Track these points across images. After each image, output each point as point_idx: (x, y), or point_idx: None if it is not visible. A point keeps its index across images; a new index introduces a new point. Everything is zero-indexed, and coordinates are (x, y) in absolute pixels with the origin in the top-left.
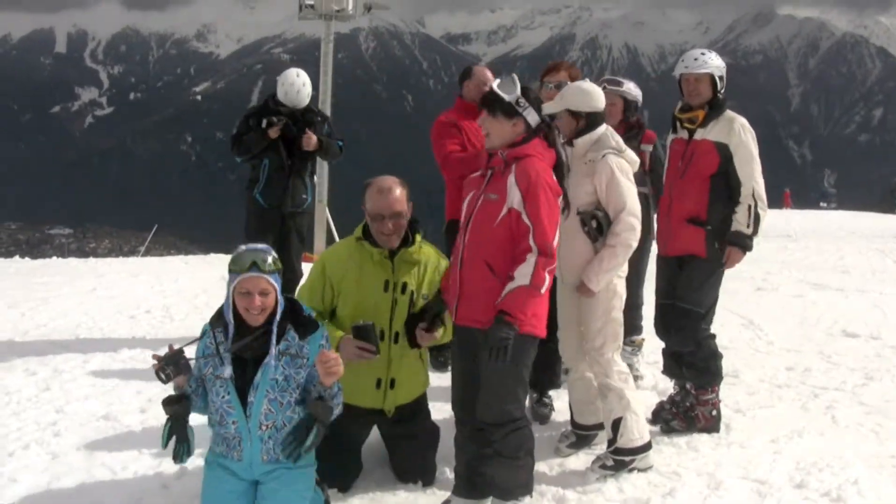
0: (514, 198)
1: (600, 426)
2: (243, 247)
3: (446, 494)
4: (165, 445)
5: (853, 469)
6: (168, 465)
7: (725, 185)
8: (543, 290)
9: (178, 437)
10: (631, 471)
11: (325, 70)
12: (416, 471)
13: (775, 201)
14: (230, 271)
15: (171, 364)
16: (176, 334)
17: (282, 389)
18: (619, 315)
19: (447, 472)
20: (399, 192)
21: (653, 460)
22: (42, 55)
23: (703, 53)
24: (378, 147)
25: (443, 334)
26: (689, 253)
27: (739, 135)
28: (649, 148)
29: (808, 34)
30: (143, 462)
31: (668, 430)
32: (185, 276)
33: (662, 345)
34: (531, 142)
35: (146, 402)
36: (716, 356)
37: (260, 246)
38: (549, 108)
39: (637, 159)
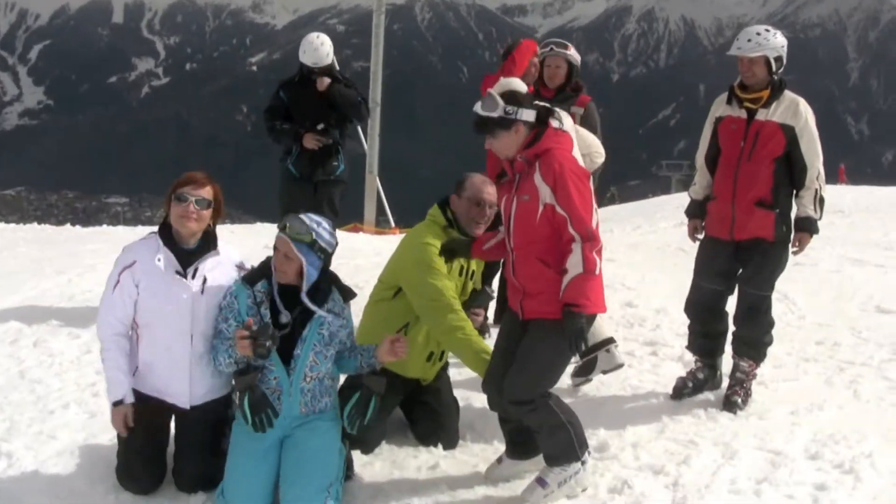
0: (545, 193)
1: (596, 346)
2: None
3: (468, 459)
4: (249, 421)
5: (869, 442)
6: None
7: (787, 167)
8: (597, 272)
9: (258, 407)
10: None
11: (377, 42)
12: (438, 434)
13: (830, 176)
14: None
15: (267, 338)
16: None
17: (325, 344)
18: None
19: (468, 438)
20: (494, 188)
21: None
22: (99, 26)
23: (758, 34)
24: (432, 118)
25: None
26: (757, 237)
27: (805, 117)
28: (580, 111)
29: (868, 7)
30: None
31: (729, 408)
32: (230, 244)
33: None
34: (544, 135)
35: None
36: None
37: (310, 216)
38: None
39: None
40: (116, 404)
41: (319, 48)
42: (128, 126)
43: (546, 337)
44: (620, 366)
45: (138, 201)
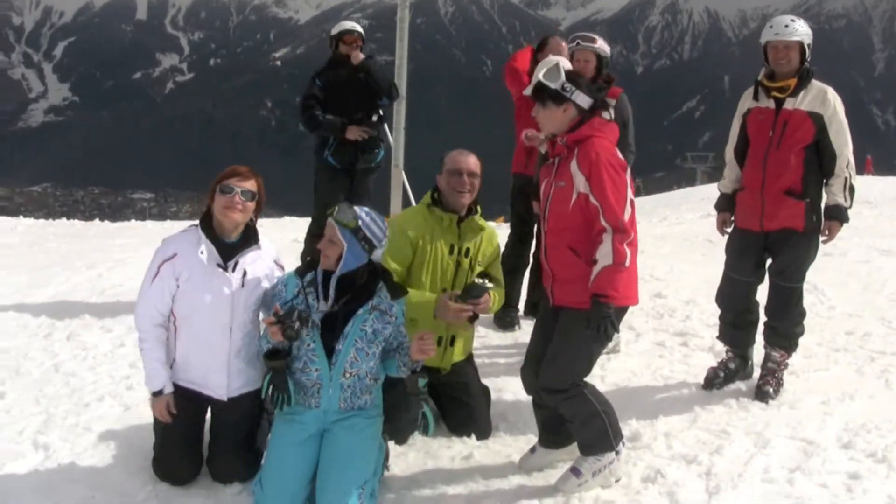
0: (580, 181)
1: None
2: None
3: (501, 449)
4: (265, 395)
5: None
6: None
7: (816, 156)
8: (627, 264)
9: (278, 387)
10: None
11: (402, 35)
12: (470, 426)
13: (857, 167)
14: None
15: (296, 320)
16: None
17: (369, 341)
18: None
19: (501, 428)
20: (475, 159)
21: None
22: (123, 22)
23: (792, 20)
24: (456, 112)
25: (494, 304)
26: (787, 227)
27: (834, 105)
28: (612, 102)
29: None
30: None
31: (761, 397)
32: (265, 238)
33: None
34: (588, 122)
35: None
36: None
37: (363, 209)
38: None
39: None
40: (156, 394)
41: (353, 22)
42: (152, 122)
43: (575, 327)
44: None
45: (163, 197)
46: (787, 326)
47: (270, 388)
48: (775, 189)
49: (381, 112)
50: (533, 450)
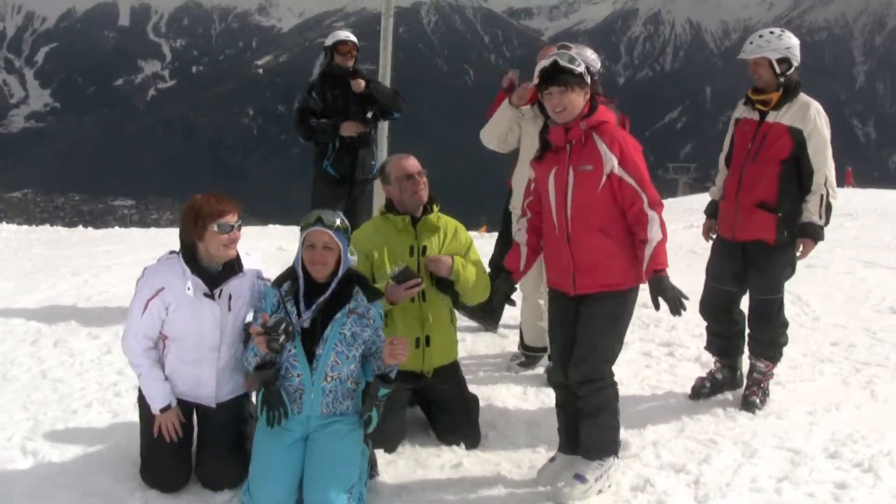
0: (612, 162)
1: (545, 349)
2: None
3: (490, 457)
4: (261, 413)
5: (887, 441)
6: None
7: (795, 170)
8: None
9: (271, 404)
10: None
11: (385, 45)
12: (458, 434)
13: (838, 180)
14: (301, 229)
15: (282, 333)
16: None
17: (348, 344)
18: None
19: (490, 437)
20: (414, 159)
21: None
22: (106, 28)
23: (760, 36)
24: (439, 121)
25: (467, 273)
26: (757, 239)
27: (815, 121)
28: None
29: (875, 11)
30: None
31: (748, 407)
32: (243, 246)
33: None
34: (600, 108)
35: None
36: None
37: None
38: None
39: None
40: (164, 410)
41: (347, 32)
42: (134, 128)
43: (609, 312)
44: None
45: (144, 204)
46: (769, 337)
47: (264, 406)
48: (748, 200)
49: (375, 110)
50: (553, 459)
